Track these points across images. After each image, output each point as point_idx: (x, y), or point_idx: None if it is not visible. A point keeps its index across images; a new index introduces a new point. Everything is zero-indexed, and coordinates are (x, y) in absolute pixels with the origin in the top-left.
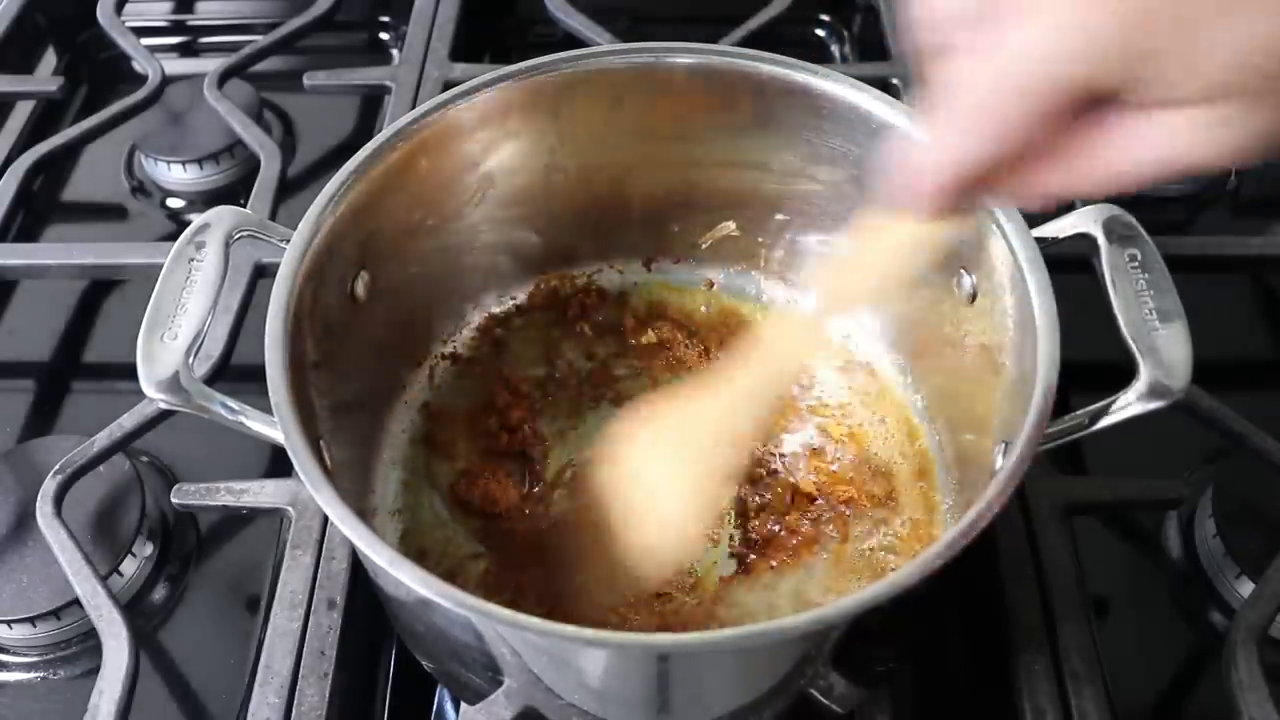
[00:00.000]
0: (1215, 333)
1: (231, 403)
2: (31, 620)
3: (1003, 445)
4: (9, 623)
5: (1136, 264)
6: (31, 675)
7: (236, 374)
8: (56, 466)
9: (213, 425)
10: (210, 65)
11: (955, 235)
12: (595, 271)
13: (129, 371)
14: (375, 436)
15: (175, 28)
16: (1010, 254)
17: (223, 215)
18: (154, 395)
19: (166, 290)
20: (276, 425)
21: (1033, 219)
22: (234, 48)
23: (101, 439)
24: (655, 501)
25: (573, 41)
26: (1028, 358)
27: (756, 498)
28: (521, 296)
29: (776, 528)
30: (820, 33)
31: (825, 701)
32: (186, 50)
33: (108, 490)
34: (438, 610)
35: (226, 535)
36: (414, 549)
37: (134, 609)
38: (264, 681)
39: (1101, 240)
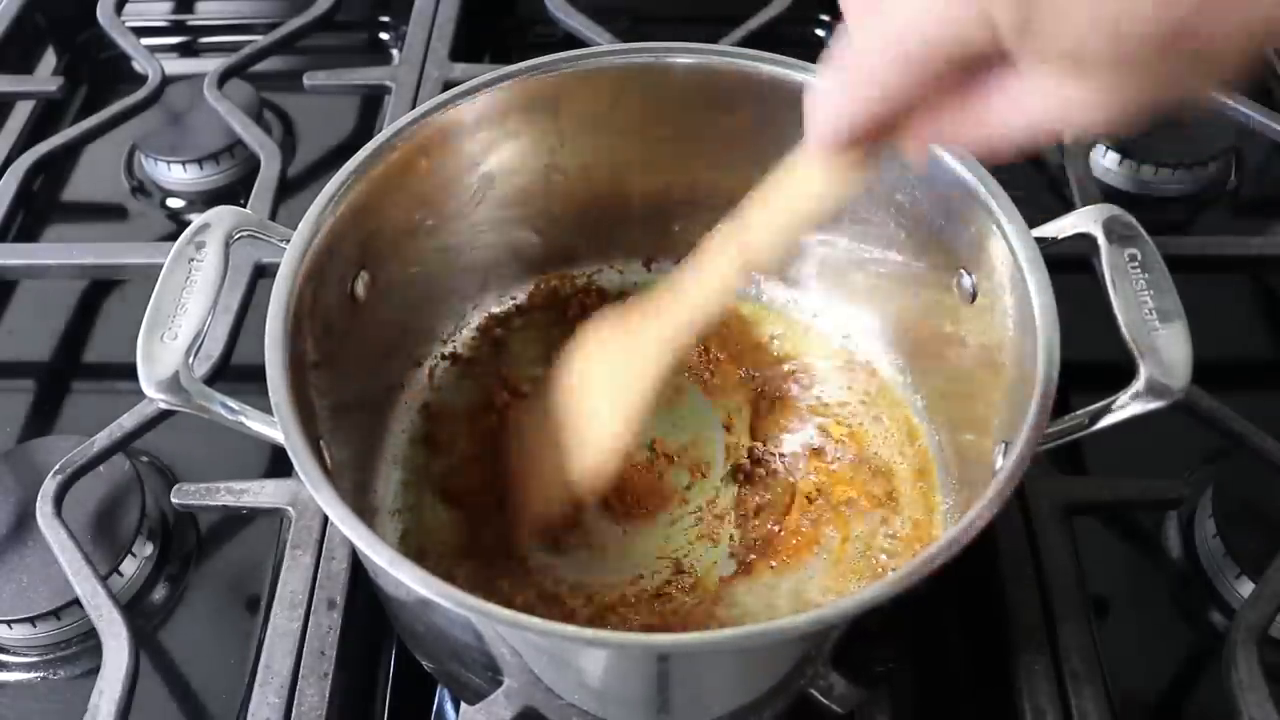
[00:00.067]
0: (1215, 333)
1: (231, 403)
2: (31, 620)
3: (1003, 445)
4: (9, 623)
5: (1136, 264)
6: (31, 675)
7: (236, 374)
8: (56, 466)
9: (213, 425)
10: (210, 65)
11: (955, 235)
12: (595, 271)
13: (129, 371)
14: (375, 436)
15: (175, 28)
16: (1010, 254)
17: (223, 215)
18: (154, 395)
19: (166, 290)
20: (276, 425)
21: (1033, 219)
22: (234, 48)
23: (101, 439)
24: (589, 401)
25: (573, 41)
26: (1028, 358)
27: (756, 498)
28: (521, 296)
29: (776, 528)
30: (820, 33)
31: (825, 701)
32: (186, 50)
33: (108, 490)
34: (438, 610)
35: (226, 535)
36: (414, 549)
37: (134, 609)
38: (264, 681)
39: (1101, 240)
